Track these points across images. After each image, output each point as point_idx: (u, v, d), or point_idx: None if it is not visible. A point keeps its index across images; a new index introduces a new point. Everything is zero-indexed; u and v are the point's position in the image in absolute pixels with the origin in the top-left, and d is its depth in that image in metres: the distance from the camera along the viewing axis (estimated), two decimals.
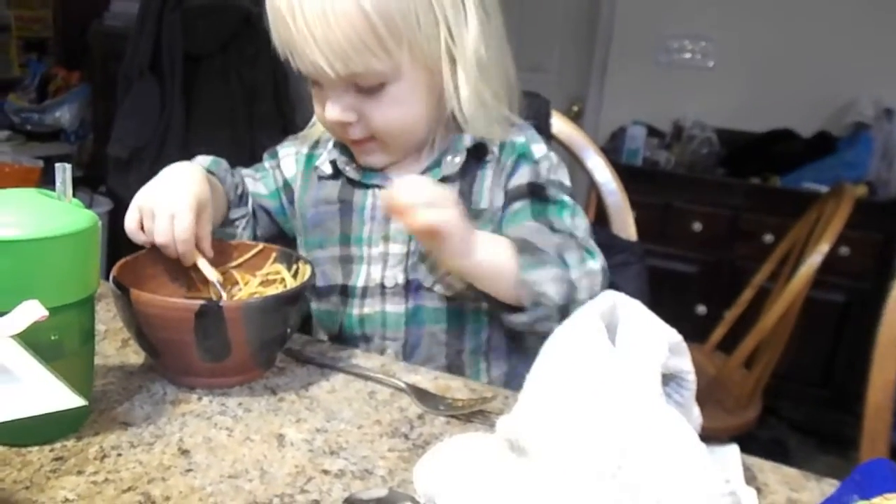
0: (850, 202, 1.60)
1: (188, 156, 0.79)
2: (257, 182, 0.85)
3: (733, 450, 0.57)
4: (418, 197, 0.59)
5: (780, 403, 2.42)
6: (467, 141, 0.74)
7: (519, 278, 0.64)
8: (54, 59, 3.36)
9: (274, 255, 0.75)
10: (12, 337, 0.39)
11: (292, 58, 0.69)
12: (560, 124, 1.01)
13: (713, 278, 2.49)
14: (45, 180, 2.69)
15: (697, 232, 2.47)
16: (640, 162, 2.59)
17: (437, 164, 0.75)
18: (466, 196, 0.75)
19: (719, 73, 2.75)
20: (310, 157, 0.82)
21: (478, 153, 0.75)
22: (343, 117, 0.70)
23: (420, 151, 0.77)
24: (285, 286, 0.72)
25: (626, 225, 0.99)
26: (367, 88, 0.69)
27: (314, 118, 0.81)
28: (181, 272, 0.74)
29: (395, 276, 0.76)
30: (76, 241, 0.52)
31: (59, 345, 0.52)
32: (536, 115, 0.89)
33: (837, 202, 1.62)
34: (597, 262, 0.68)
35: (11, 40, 3.29)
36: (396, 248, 0.75)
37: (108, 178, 2.95)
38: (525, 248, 0.65)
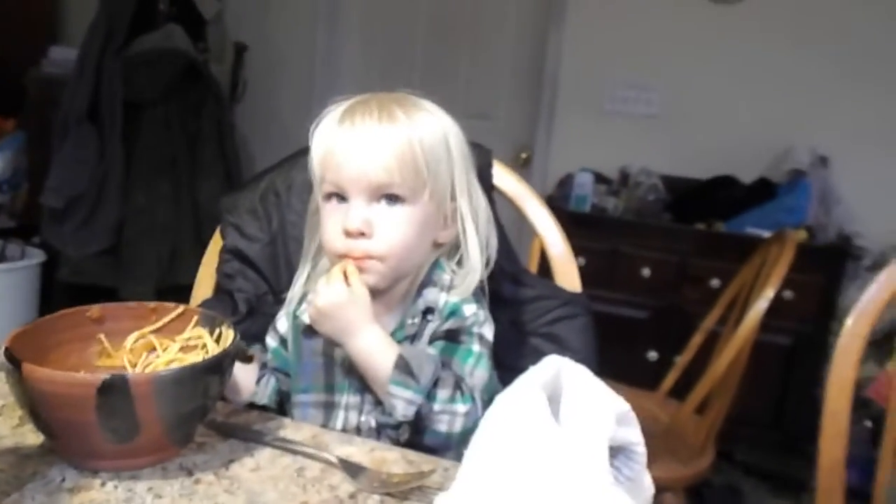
0: (793, 247, 1.62)
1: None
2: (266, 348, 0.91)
3: None
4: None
5: (734, 447, 2.40)
6: (421, 305, 0.82)
7: (386, 388, 0.74)
8: None
9: (196, 318, 0.70)
10: None
11: (330, 165, 0.78)
12: (502, 175, 0.99)
13: (663, 323, 2.48)
14: None
15: (646, 278, 2.47)
16: (589, 208, 2.59)
17: (402, 326, 0.82)
18: None
19: (664, 121, 2.81)
20: (296, 314, 0.87)
21: (424, 314, 0.83)
22: (362, 227, 0.77)
23: (391, 303, 0.83)
24: (207, 352, 0.66)
25: (570, 276, 0.96)
26: (389, 199, 0.78)
27: (295, 279, 0.88)
28: (94, 339, 0.68)
29: (370, 420, 0.80)
30: None
31: None
32: (478, 166, 0.87)
33: (780, 247, 1.63)
34: (465, 406, 0.74)
35: None
36: (372, 396, 0.80)
37: (42, 229, 2.82)
38: (400, 365, 0.74)
